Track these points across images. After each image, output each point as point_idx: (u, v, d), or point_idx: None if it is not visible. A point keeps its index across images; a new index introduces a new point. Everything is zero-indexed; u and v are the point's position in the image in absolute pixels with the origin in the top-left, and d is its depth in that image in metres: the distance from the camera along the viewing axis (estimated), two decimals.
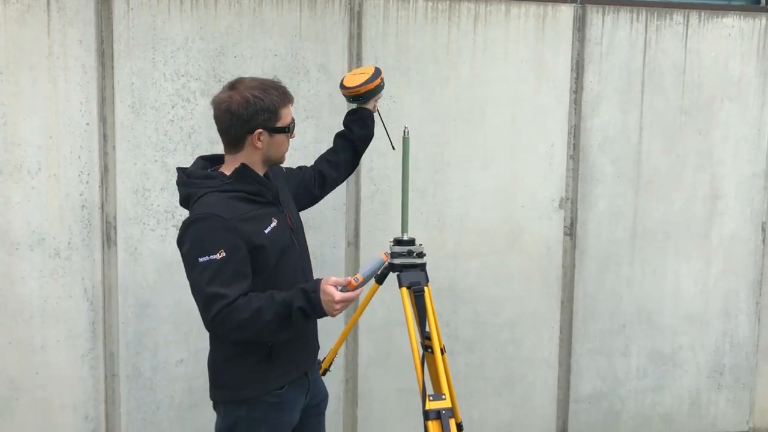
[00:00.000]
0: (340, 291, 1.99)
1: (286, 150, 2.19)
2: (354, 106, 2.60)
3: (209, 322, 2.00)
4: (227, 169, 2.13)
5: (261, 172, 2.16)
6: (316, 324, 2.32)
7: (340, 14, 3.20)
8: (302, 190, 2.47)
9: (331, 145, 2.62)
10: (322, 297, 1.99)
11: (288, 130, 2.15)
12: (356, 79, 2.51)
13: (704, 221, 3.67)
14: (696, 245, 3.68)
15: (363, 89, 2.49)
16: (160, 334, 3.15)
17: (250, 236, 2.03)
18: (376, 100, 2.58)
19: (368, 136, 2.61)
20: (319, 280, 2.02)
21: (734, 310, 3.76)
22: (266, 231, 2.08)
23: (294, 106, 2.22)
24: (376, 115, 2.59)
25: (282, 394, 2.17)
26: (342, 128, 2.61)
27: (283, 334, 2.04)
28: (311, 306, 1.99)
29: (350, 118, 2.60)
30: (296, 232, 2.25)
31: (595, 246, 3.57)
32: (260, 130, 2.08)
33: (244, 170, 2.09)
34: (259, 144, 2.10)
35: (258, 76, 3.08)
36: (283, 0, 3.14)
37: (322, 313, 2.01)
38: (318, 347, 2.38)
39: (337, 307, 1.99)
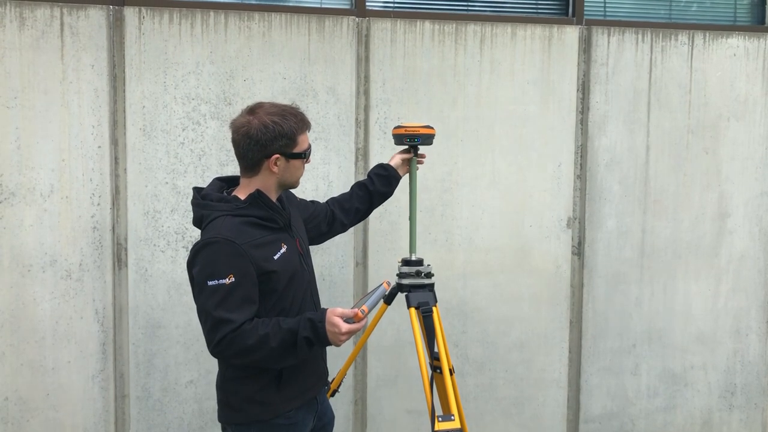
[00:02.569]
0: (346, 322, 2.01)
1: (301, 175, 2.22)
2: (385, 162, 2.64)
3: (214, 345, 2.01)
4: (242, 192, 2.15)
5: (274, 197, 2.19)
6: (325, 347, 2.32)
7: (348, 37, 3.24)
8: (312, 222, 2.49)
9: (348, 189, 2.66)
10: (328, 327, 2.00)
11: (304, 155, 2.17)
12: (414, 123, 2.60)
13: (713, 240, 3.67)
14: (705, 264, 3.67)
15: (422, 130, 2.54)
16: (170, 354, 3.16)
17: (261, 262, 2.05)
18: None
19: (387, 194, 2.63)
20: (325, 310, 2.04)
21: (745, 329, 3.74)
22: (276, 257, 2.09)
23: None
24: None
25: (292, 416, 2.17)
26: (365, 178, 2.65)
27: (287, 361, 2.06)
28: (317, 336, 2.01)
29: (377, 172, 2.63)
30: (305, 257, 2.27)
31: (603, 265, 3.57)
32: (277, 155, 2.11)
33: (258, 196, 2.11)
34: (275, 169, 2.12)
35: (268, 99, 3.14)
36: (292, 24, 3.19)
37: (327, 343, 2.04)
38: (326, 370, 2.38)
39: (343, 338, 2.01)
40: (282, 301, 2.12)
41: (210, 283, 1.99)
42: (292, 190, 2.36)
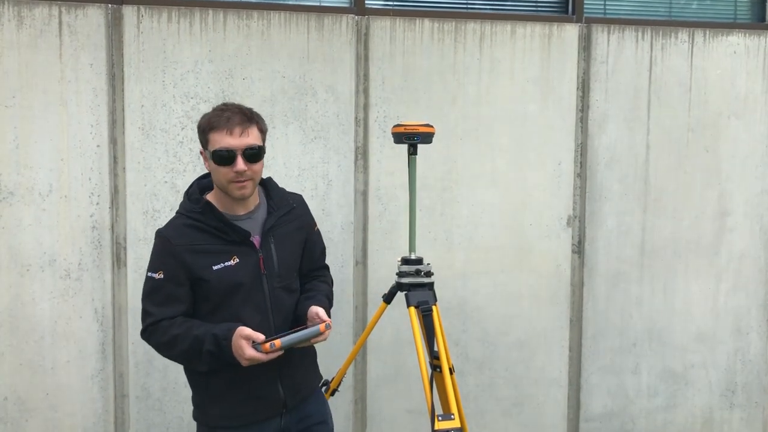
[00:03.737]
0: (254, 346, 1.94)
1: (228, 179, 2.04)
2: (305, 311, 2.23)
3: (141, 332, 2.12)
4: (212, 194, 2.14)
5: (233, 204, 2.09)
6: (295, 368, 2.20)
7: (347, 36, 3.24)
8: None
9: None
10: (234, 346, 1.96)
11: (213, 155, 2.02)
12: (413, 122, 2.57)
13: (713, 238, 3.66)
14: (705, 263, 3.66)
15: (422, 129, 2.53)
16: None
17: (194, 268, 2.04)
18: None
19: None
20: (235, 327, 1.98)
21: (745, 327, 3.74)
22: (215, 267, 2.04)
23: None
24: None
25: None
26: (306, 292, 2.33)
27: (198, 365, 2.05)
28: (220, 351, 1.98)
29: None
30: (270, 277, 2.13)
31: (603, 264, 3.56)
32: (201, 149, 2.10)
33: (206, 207, 2.08)
34: (206, 165, 2.11)
35: (268, 98, 3.14)
36: (291, 23, 3.18)
37: (233, 360, 1.98)
38: (284, 396, 2.18)
39: (245, 362, 1.96)
40: (221, 311, 2.07)
41: (148, 273, 2.09)
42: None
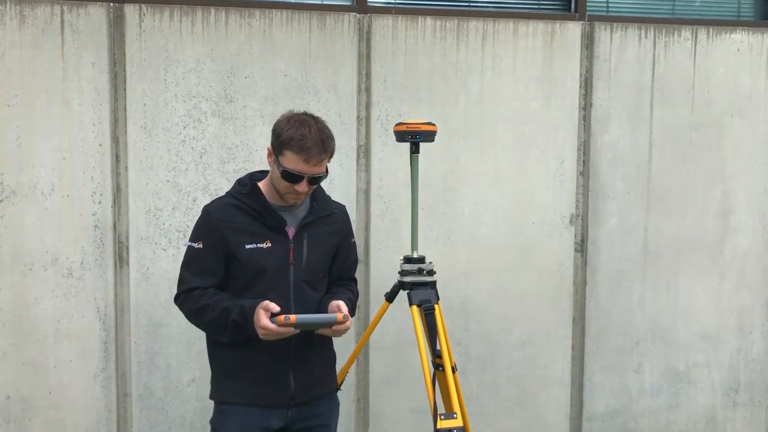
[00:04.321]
0: (271, 319, 2.05)
1: (285, 190, 2.18)
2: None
3: (175, 297, 2.27)
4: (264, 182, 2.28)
5: (278, 196, 2.23)
6: (306, 363, 2.27)
7: (350, 35, 3.23)
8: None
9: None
10: (254, 317, 2.08)
11: (282, 171, 2.14)
12: (415, 120, 2.60)
13: (717, 237, 3.65)
14: (709, 261, 3.65)
15: (424, 127, 2.54)
16: (172, 353, 3.15)
17: (230, 243, 2.18)
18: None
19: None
20: (260, 300, 2.10)
21: (748, 326, 3.73)
22: (248, 246, 2.18)
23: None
24: None
25: (235, 410, 2.23)
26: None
27: (222, 336, 2.17)
28: (244, 321, 2.11)
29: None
30: (297, 268, 2.23)
31: (606, 262, 3.55)
32: (270, 148, 2.21)
33: (252, 190, 2.25)
34: (269, 161, 2.22)
35: (269, 97, 3.13)
36: (293, 21, 3.18)
37: (254, 333, 2.09)
38: (294, 389, 2.25)
39: (260, 331, 2.06)
40: (248, 291, 2.18)
41: (188, 243, 2.24)
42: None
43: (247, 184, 2.26)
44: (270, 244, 2.20)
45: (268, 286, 2.19)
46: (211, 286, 2.19)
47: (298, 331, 2.09)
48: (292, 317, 2.04)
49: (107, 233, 3.08)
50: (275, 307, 2.07)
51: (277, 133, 2.17)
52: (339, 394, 2.80)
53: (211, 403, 2.33)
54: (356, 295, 2.46)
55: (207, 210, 2.25)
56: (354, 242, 2.46)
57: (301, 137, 2.11)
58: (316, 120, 2.19)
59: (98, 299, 3.09)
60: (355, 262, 2.49)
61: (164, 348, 3.15)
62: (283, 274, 2.22)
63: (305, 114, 2.22)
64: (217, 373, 2.29)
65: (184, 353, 3.16)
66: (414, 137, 2.54)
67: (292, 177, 2.14)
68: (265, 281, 2.19)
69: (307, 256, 2.26)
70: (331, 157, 2.21)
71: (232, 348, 2.20)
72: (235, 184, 2.32)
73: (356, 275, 2.48)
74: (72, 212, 3.04)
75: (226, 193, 2.30)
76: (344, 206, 2.46)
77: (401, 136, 2.55)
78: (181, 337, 3.15)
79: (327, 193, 2.33)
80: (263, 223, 2.21)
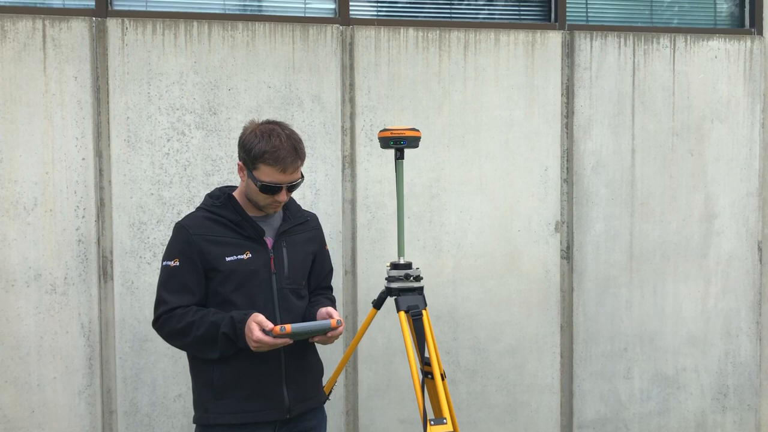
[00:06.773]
0: (264, 332, 2.02)
1: (263, 203, 2.19)
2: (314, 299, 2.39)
3: (153, 321, 2.18)
4: (236, 193, 2.26)
5: (252, 207, 2.22)
6: (298, 375, 2.25)
7: (333, 46, 3.25)
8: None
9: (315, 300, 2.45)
10: (246, 330, 2.04)
11: (258, 183, 2.13)
12: (399, 126, 2.62)
13: (701, 241, 3.67)
14: (694, 266, 3.67)
15: (408, 133, 2.55)
16: (158, 368, 3.12)
17: (208, 256, 2.14)
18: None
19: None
20: (251, 312, 2.07)
21: (735, 330, 3.74)
22: (228, 258, 2.15)
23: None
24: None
25: None
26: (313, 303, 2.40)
27: (210, 352, 2.12)
28: (235, 335, 2.07)
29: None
30: (279, 277, 2.23)
31: (592, 269, 3.57)
32: (240, 163, 2.19)
33: (227, 201, 2.22)
34: (240, 175, 2.20)
35: (253, 108, 3.14)
36: (276, 33, 3.19)
37: (245, 345, 2.07)
38: (288, 401, 2.22)
39: (253, 344, 2.04)
40: (230, 305, 2.15)
41: (163, 262, 2.18)
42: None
43: (220, 197, 2.23)
44: (250, 255, 2.18)
45: (252, 298, 2.17)
46: (192, 304, 2.15)
47: (291, 341, 2.07)
48: (288, 327, 2.01)
49: (91, 248, 3.05)
50: (269, 324, 2.03)
51: (247, 148, 2.14)
52: (328, 406, 2.78)
53: None
54: (334, 302, 2.45)
55: (182, 225, 2.19)
56: (328, 250, 2.47)
57: (274, 149, 2.10)
58: (282, 127, 2.16)
59: (82, 314, 3.05)
60: (331, 270, 2.49)
61: (150, 363, 3.11)
62: (266, 284, 2.20)
63: (269, 123, 2.19)
64: (203, 394, 2.19)
65: (170, 368, 3.12)
66: (398, 143, 2.54)
67: (271, 189, 2.14)
68: (248, 292, 2.17)
69: (289, 264, 2.25)
70: (303, 161, 2.19)
71: (219, 364, 2.14)
72: (205, 197, 2.28)
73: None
74: (55, 227, 3.01)
75: (198, 207, 2.26)
76: (315, 214, 2.46)
77: (386, 142, 2.56)
78: (167, 352, 3.11)
79: (313, 203, 2.36)
80: (241, 233, 2.19)
